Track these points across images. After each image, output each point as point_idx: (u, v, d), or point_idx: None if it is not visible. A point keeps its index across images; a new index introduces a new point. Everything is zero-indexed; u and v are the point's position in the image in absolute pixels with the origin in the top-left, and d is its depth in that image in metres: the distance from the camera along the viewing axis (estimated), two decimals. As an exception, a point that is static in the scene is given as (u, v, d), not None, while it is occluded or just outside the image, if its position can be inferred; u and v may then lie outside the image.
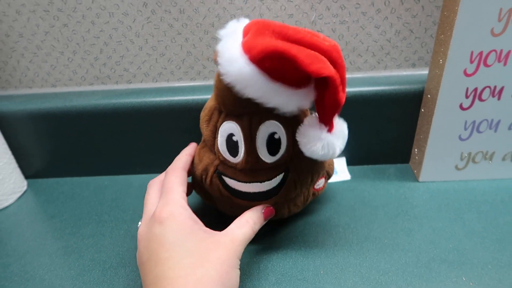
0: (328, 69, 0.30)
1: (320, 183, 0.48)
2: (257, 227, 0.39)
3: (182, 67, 0.57)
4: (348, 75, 0.56)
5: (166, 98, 0.55)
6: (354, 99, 0.53)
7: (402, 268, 0.43)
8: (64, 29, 0.55)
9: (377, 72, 0.57)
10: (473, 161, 0.53)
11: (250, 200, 0.42)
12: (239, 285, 0.36)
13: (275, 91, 0.33)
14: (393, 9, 0.52)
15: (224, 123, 0.39)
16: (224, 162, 0.41)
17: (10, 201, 0.58)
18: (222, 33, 0.35)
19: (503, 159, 0.52)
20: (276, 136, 0.39)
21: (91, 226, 0.52)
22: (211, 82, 0.50)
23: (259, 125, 0.38)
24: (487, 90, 0.47)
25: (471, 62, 0.46)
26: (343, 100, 0.34)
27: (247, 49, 0.32)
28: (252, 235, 0.38)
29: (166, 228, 0.35)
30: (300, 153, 0.38)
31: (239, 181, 0.40)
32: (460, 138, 0.51)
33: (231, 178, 0.41)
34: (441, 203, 0.51)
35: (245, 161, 0.39)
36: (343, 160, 0.60)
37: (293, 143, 0.39)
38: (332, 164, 0.49)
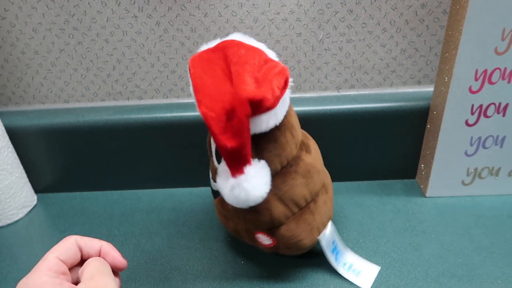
0: (200, 108, 0.33)
1: (263, 239, 0.43)
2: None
3: (192, 83, 0.59)
4: (354, 92, 0.58)
5: (176, 114, 0.56)
6: (360, 116, 0.54)
7: (411, 282, 0.43)
8: (79, 47, 0.56)
9: (383, 89, 0.58)
10: (479, 177, 0.53)
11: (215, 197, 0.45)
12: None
13: None
14: (399, 29, 0.53)
15: None
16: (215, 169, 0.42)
17: (20, 215, 0.59)
18: None
19: (509, 174, 0.53)
20: None
21: (101, 240, 0.53)
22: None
23: None
24: (492, 107, 0.48)
25: (476, 79, 0.47)
26: (221, 143, 0.33)
27: None
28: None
29: None
30: None
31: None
32: (466, 154, 0.52)
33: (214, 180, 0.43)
34: (448, 218, 0.51)
35: (211, 162, 0.42)
36: (375, 270, 0.45)
37: None
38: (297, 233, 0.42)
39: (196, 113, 0.55)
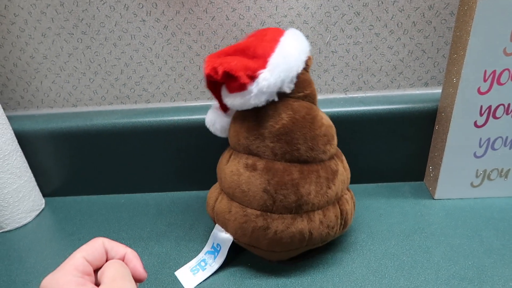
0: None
1: None
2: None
3: (200, 87, 0.59)
4: (361, 94, 0.58)
5: (184, 117, 0.56)
6: (368, 118, 0.54)
7: (421, 285, 0.42)
8: (87, 51, 0.57)
9: (390, 91, 0.58)
10: (489, 178, 0.53)
11: None
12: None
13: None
14: (406, 30, 0.53)
15: None
16: None
17: (29, 219, 0.59)
18: None
19: (519, 176, 0.53)
20: None
21: (109, 243, 0.53)
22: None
23: None
24: (501, 108, 0.48)
25: (485, 80, 0.47)
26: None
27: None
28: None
29: None
30: None
31: None
32: (475, 156, 0.52)
33: None
34: (457, 220, 0.51)
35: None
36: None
37: None
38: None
39: (203, 116, 0.55)
